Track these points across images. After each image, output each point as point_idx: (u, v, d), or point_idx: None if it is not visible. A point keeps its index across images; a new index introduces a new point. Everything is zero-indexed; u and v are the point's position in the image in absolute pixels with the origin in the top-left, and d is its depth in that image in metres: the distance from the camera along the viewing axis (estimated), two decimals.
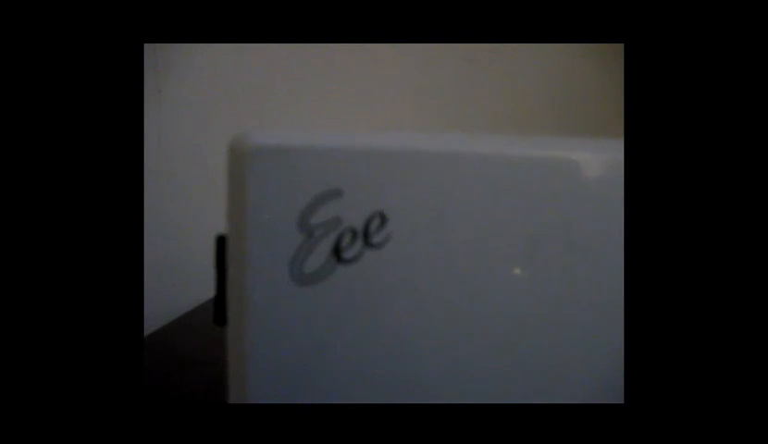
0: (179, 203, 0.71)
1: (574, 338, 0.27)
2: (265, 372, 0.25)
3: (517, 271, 0.26)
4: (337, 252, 0.25)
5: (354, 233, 0.25)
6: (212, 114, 0.71)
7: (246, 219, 0.25)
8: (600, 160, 0.26)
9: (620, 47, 0.37)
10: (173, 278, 0.70)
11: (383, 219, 0.25)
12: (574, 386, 0.27)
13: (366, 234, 0.25)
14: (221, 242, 0.27)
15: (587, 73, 0.75)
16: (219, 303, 0.27)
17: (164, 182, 0.70)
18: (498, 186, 0.26)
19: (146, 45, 0.64)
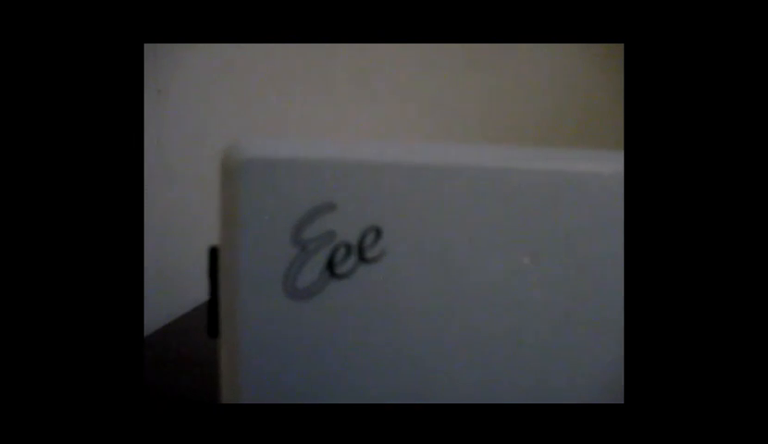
0: (179, 203, 0.70)
1: (573, 341, 0.27)
2: (257, 385, 0.25)
3: (515, 284, 0.26)
4: (330, 266, 0.25)
5: (348, 248, 0.25)
6: (212, 115, 0.71)
7: (238, 233, 0.24)
8: (600, 172, 0.26)
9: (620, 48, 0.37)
10: (173, 279, 0.69)
11: (378, 233, 0.25)
12: (574, 386, 0.27)
13: (361, 249, 0.25)
14: (214, 254, 0.26)
15: (586, 75, 0.74)
16: (212, 315, 0.27)
17: (164, 183, 0.69)
18: (496, 199, 0.25)
19: (146, 45, 0.63)
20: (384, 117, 0.75)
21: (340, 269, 0.25)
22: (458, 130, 0.74)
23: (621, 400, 0.26)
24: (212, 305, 0.26)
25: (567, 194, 0.26)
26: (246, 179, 0.24)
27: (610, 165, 0.26)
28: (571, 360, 0.27)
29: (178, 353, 0.55)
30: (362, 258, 0.25)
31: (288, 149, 0.24)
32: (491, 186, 0.25)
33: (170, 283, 0.69)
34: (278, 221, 0.24)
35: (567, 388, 0.27)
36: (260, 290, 0.25)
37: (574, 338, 0.27)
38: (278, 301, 0.25)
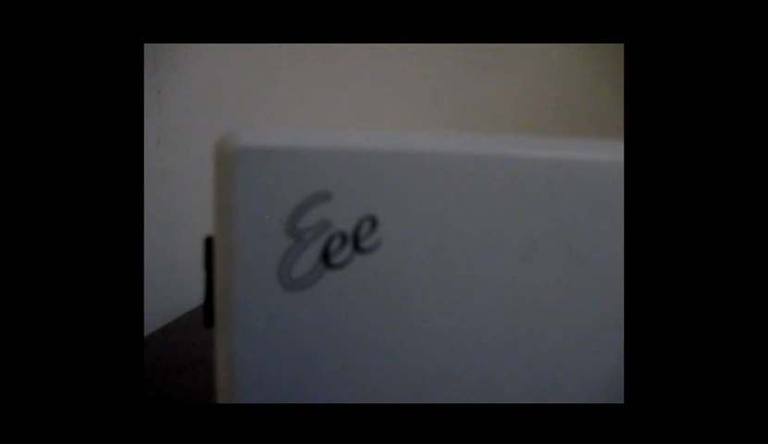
0: (180, 202, 0.70)
1: (573, 339, 0.27)
2: (252, 374, 0.25)
3: (514, 275, 0.26)
4: (326, 256, 0.25)
5: (344, 237, 0.25)
6: (212, 114, 0.71)
7: (233, 222, 0.24)
8: (599, 161, 0.26)
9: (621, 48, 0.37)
10: (173, 278, 0.69)
11: (374, 223, 0.25)
12: (574, 386, 0.27)
13: (356, 238, 0.25)
14: (209, 244, 0.26)
15: (587, 74, 0.74)
16: (208, 306, 0.27)
17: (164, 182, 0.69)
18: (493, 188, 0.25)
19: (146, 45, 0.64)
20: (385, 116, 0.75)
21: (336, 259, 0.25)
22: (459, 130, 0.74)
23: (621, 400, 0.26)
24: (207, 295, 0.26)
25: (567, 183, 0.26)
26: (241, 168, 0.24)
27: (610, 154, 0.26)
28: (571, 358, 0.27)
29: (178, 353, 0.55)
30: (357, 248, 0.25)
31: (283, 137, 0.24)
32: (489, 174, 0.25)
33: (169, 282, 0.69)
34: (273, 210, 0.24)
35: (567, 387, 0.27)
36: (255, 281, 0.24)
37: (573, 333, 0.26)
38: (274, 291, 0.24)
